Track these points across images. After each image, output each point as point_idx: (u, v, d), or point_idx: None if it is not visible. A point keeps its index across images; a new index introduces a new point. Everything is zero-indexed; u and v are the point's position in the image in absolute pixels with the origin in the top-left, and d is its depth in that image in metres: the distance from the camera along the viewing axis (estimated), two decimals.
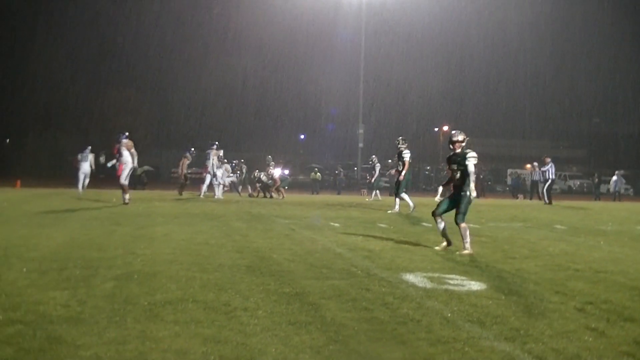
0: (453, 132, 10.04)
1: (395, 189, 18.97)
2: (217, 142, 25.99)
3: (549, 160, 27.20)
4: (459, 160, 9.62)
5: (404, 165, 18.18)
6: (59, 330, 4.65)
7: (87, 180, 26.46)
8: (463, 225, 9.42)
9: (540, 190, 27.92)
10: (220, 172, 25.08)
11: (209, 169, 24.49)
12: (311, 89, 67.79)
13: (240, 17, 65.56)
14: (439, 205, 9.81)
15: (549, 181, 27.13)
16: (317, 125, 70.38)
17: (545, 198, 26.88)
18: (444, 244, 9.62)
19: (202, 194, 24.58)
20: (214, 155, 24.90)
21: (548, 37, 73.27)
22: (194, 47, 67.95)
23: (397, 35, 63.78)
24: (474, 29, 71.68)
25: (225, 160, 27.13)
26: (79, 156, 26.73)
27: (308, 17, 52.68)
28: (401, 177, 18.49)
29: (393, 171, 26.43)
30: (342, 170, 42.50)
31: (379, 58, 62.27)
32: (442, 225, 9.62)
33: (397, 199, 18.35)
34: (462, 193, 9.51)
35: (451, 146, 9.88)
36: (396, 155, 19.15)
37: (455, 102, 71.86)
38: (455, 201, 9.59)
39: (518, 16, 69.10)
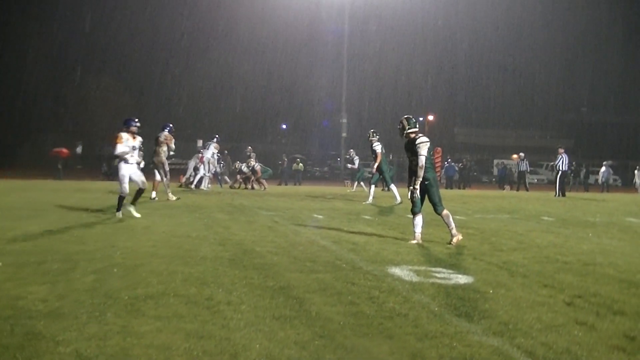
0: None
1: (373, 180, 19.16)
2: (217, 135, 26.51)
3: (562, 150, 26.70)
4: (412, 148, 9.42)
5: (376, 157, 18.23)
6: (38, 325, 4.57)
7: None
8: (444, 212, 9.35)
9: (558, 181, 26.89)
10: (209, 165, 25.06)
11: (205, 159, 24.46)
12: (294, 78, 67.53)
13: (221, 10, 65.24)
14: (415, 203, 9.49)
15: (560, 172, 26.61)
16: (300, 115, 70.01)
17: (557, 190, 26.41)
18: (415, 241, 9.40)
19: (206, 185, 24.74)
20: (214, 149, 25.16)
21: (535, 26, 73.65)
22: (176, 39, 67.59)
23: (381, 24, 63.77)
24: (459, 19, 71.60)
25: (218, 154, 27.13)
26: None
27: (291, 7, 52.33)
28: (374, 170, 18.67)
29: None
30: (285, 159, 40.97)
31: (362, 47, 62.29)
32: (420, 221, 9.44)
33: (371, 189, 18.66)
34: (426, 182, 9.34)
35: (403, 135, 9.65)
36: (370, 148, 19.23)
37: (441, 92, 71.94)
38: (423, 192, 9.41)
39: (505, 6, 69.21)
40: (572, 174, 39.22)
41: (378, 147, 18.24)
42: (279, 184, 35.64)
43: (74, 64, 59.61)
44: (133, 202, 12.21)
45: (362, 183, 27.86)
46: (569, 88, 73.82)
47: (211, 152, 24.93)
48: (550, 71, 74.22)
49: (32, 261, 6.98)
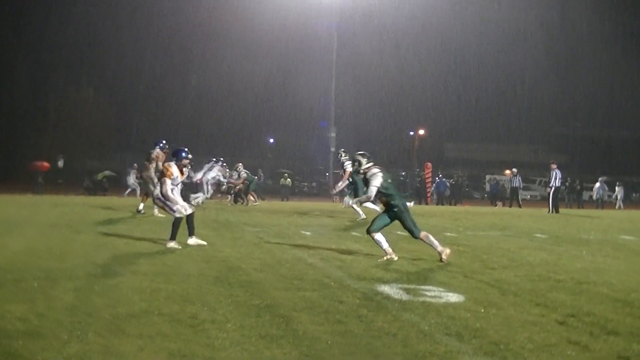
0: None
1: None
2: (222, 159, 26.75)
3: (554, 166, 26.43)
4: (366, 181, 9.69)
5: (344, 174, 18.33)
6: (16, 345, 4.47)
7: None
8: (422, 234, 9.34)
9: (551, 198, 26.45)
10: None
11: (203, 180, 24.39)
12: (281, 91, 67.42)
13: (207, 20, 65.26)
14: (373, 221, 9.59)
15: (553, 188, 26.23)
16: (287, 129, 69.86)
17: (550, 206, 26.07)
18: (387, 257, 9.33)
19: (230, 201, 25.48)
20: (218, 172, 25.05)
21: (527, 40, 73.72)
22: (160, 53, 67.40)
23: (370, 39, 63.88)
24: (451, 32, 71.66)
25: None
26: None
27: (281, 18, 52.37)
28: (338, 187, 19.23)
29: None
30: (262, 174, 39.99)
31: (352, 61, 62.31)
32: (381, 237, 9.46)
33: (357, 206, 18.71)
34: (395, 209, 9.39)
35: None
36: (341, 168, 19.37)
37: (432, 106, 71.80)
38: (392, 218, 9.49)
39: (496, 19, 69.49)
40: (565, 190, 39.16)
41: (349, 165, 18.29)
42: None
43: (56, 77, 59.20)
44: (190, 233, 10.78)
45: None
46: (562, 102, 74.02)
47: (214, 174, 24.79)
48: (543, 85, 74.35)
49: (10, 279, 6.85)
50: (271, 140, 74.91)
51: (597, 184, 39.03)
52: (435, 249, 9.24)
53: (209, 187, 24.88)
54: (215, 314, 5.53)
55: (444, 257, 9.09)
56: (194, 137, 58.25)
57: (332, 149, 47.27)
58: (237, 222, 15.89)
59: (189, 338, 4.77)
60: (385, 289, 6.95)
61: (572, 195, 42.05)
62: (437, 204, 36.79)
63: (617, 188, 39.73)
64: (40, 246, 9.69)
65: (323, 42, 50.39)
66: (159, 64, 66.67)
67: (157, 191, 10.91)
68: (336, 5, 45.02)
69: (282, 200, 37.59)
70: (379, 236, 9.40)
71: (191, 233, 10.58)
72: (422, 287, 7.14)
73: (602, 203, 38.89)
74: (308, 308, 5.86)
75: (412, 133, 69.06)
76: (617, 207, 38.46)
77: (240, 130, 65.64)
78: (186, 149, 10.98)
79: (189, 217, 10.54)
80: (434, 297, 6.57)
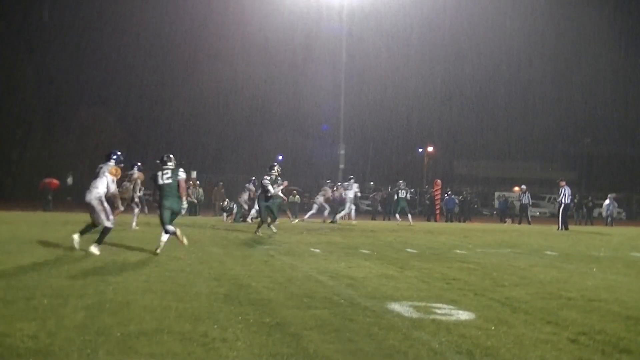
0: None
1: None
2: (254, 178, 28.04)
3: (563, 183, 26.52)
4: None
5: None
6: None
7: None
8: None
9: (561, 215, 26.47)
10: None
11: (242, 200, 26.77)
12: (291, 108, 67.63)
13: (213, 36, 65.53)
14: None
15: (562, 205, 26.26)
16: (296, 145, 69.87)
17: (560, 223, 26.05)
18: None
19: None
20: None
21: (537, 56, 73.86)
22: (169, 71, 67.79)
23: (380, 54, 64.08)
24: (460, 49, 71.82)
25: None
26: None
27: (291, 38, 52.66)
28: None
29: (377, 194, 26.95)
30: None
31: (361, 77, 62.42)
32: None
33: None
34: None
35: None
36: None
37: (441, 123, 71.82)
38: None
39: (507, 35, 69.63)
40: (574, 207, 38.79)
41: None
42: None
43: (66, 95, 59.55)
44: None
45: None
46: (571, 119, 73.74)
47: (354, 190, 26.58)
48: (552, 102, 74.34)
49: (21, 296, 6.83)
50: (280, 157, 74.95)
51: (607, 201, 38.61)
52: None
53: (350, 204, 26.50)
54: (225, 332, 5.49)
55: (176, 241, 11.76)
56: (204, 155, 58.58)
57: (341, 166, 47.24)
58: (246, 240, 15.88)
59: (200, 357, 4.74)
60: (396, 307, 6.91)
61: (581, 212, 41.70)
62: (446, 221, 36.67)
63: (607, 201, 38.83)
64: (50, 264, 9.68)
65: (331, 60, 50.60)
66: (169, 83, 67.24)
67: (102, 191, 11.89)
68: (345, 24, 45.16)
69: (291, 217, 37.35)
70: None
71: (99, 242, 11.55)
72: (433, 305, 7.09)
73: (612, 220, 38.52)
74: (318, 326, 5.82)
75: (421, 150, 68.95)
76: (607, 222, 37.90)
77: (250, 148, 65.78)
78: (119, 152, 12.40)
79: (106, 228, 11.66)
80: (445, 315, 6.53)
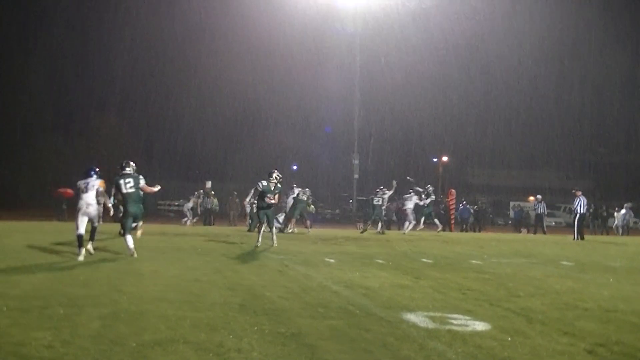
0: None
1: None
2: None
3: (579, 193, 26.24)
4: None
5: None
6: None
7: None
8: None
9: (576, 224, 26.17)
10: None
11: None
12: (304, 117, 67.49)
13: (222, 42, 65.68)
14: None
15: (578, 215, 25.95)
16: (311, 155, 69.85)
17: (575, 233, 25.74)
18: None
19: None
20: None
21: (552, 65, 73.28)
22: (184, 76, 67.73)
23: (393, 65, 63.86)
24: (474, 58, 71.46)
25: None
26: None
27: (302, 41, 52.70)
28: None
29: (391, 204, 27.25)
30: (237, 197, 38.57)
31: (374, 87, 62.30)
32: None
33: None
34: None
35: None
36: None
37: (455, 132, 71.49)
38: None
39: (520, 44, 69.19)
40: (590, 217, 38.41)
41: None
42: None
43: (79, 103, 59.76)
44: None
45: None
46: (587, 128, 73.21)
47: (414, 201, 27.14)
48: (567, 111, 73.79)
49: (36, 306, 6.85)
50: (294, 167, 75.03)
51: (623, 210, 38.23)
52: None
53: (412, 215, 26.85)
54: (240, 342, 5.49)
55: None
56: (220, 165, 58.56)
57: (356, 176, 47.32)
58: (261, 249, 15.86)
59: None
60: (411, 317, 6.88)
61: (596, 222, 41.33)
62: (461, 231, 36.52)
63: (617, 214, 38.43)
64: (65, 273, 9.73)
65: (346, 72, 50.68)
66: (184, 92, 67.05)
67: (96, 203, 12.50)
68: (359, 36, 45.40)
69: (305, 226, 37.29)
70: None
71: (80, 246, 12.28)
72: (448, 315, 7.06)
73: (628, 230, 38.15)
74: (334, 337, 5.81)
75: (435, 160, 68.78)
76: (618, 232, 37.38)
77: (265, 157, 65.75)
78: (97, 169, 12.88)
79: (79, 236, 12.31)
80: (460, 325, 6.50)
